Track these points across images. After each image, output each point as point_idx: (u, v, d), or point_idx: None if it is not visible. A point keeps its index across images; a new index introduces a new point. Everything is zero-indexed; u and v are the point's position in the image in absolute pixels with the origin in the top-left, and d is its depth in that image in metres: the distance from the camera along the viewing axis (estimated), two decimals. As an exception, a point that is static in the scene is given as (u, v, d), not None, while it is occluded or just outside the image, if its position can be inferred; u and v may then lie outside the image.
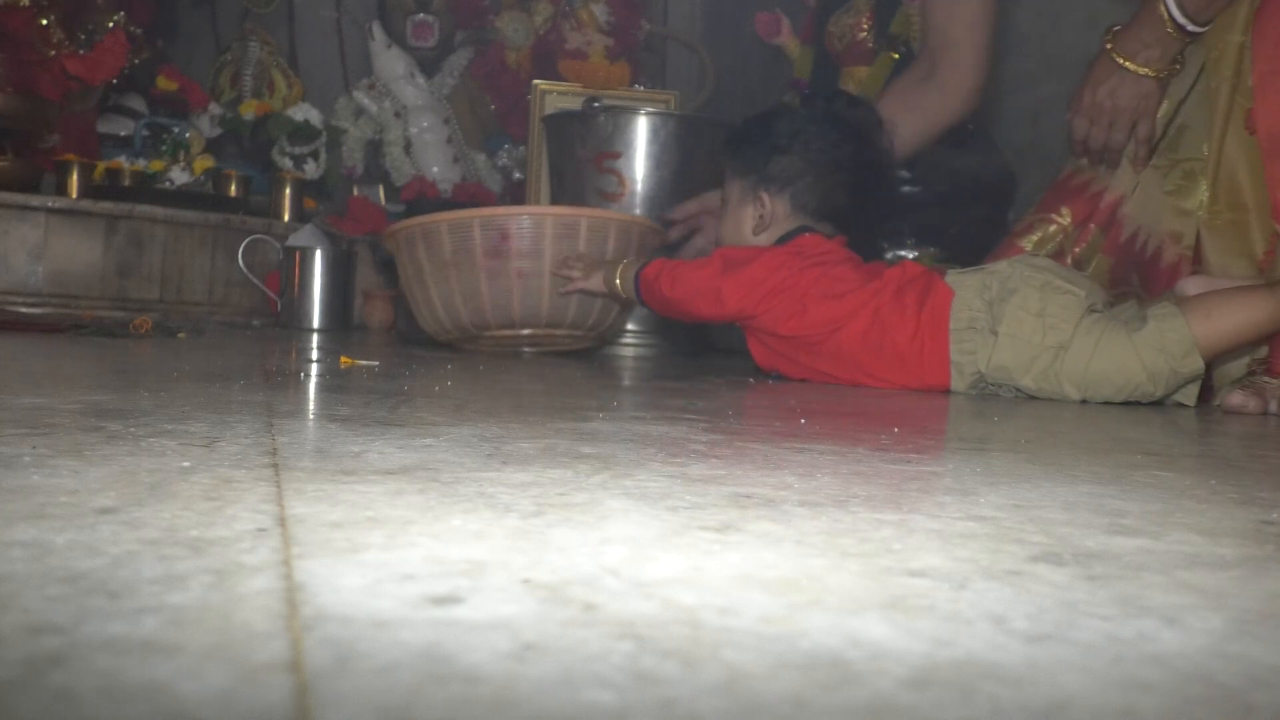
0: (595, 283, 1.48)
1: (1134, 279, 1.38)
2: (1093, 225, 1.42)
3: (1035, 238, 1.44)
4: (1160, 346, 1.13)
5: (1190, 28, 1.31)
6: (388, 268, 2.27)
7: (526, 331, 1.59)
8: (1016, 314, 1.19)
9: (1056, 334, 1.18)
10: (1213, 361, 1.22)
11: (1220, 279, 1.23)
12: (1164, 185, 1.36)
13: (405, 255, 1.62)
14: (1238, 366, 1.24)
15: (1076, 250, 1.41)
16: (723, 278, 1.33)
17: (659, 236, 1.69)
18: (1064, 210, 1.43)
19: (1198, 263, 1.31)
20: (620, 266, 1.46)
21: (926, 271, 1.32)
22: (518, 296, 1.56)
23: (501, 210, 1.59)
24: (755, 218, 1.42)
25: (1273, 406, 1.15)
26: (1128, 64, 1.35)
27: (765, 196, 1.41)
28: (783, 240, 1.38)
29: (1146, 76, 1.35)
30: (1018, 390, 1.22)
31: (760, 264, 1.32)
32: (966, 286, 1.25)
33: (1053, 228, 1.43)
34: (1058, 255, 1.42)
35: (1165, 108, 1.37)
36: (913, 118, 1.62)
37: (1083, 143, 1.42)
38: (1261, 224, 1.25)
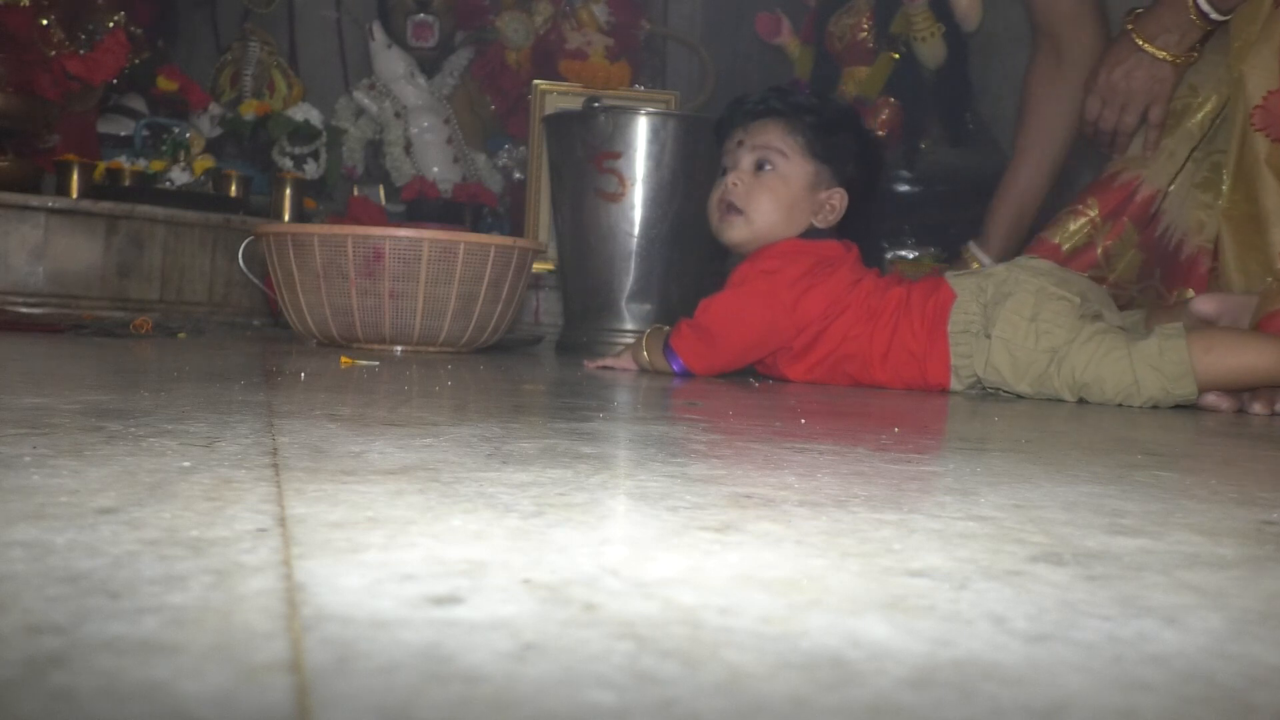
0: (625, 361, 1.39)
1: (1156, 272, 1.38)
2: (1126, 219, 1.40)
3: (1062, 232, 1.42)
4: (1157, 365, 1.12)
5: (1213, 15, 1.30)
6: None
7: (399, 348, 1.59)
8: (1010, 318, 1.19)
9: (1049, 339, 1.17)
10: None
11: (1232, 298, 1.23)
12: (1194, 178, 1.36)
13: (275, 258, 1.60)
14: None
15: (1108, 243, 1.39)
16: (778, 294, 1.28)
17: (541, 255, 1.65)
18: (1091, 201, 1.42)
19: (1218, 258, 1.31)
20: (645, 336, 1.38)
21: (934, 274, 1.32)
22: (389, 316, 1.55)
23: (377, 230, 1.58)
24: (822, 208, 1.35)
25: (1252, 406, 1.15)
26: (1146, 46, 1.35)
27: (841, 194, 1.35)
28: (813, 236, 1.35)
29: (1164, 61, 1.35)
30: (1016, 395, 1.22)
31: (821, 292, 1.29)
32: (964, 289, 1.25)
33: (1080, 220, 1.41)
34: (1087, 248, 1.40)
35: (1214, 102, 1.36)
36: (1065, 108, 1.57)
37: (1094, 124, 1.42)
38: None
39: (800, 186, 1.34)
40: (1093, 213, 1.41)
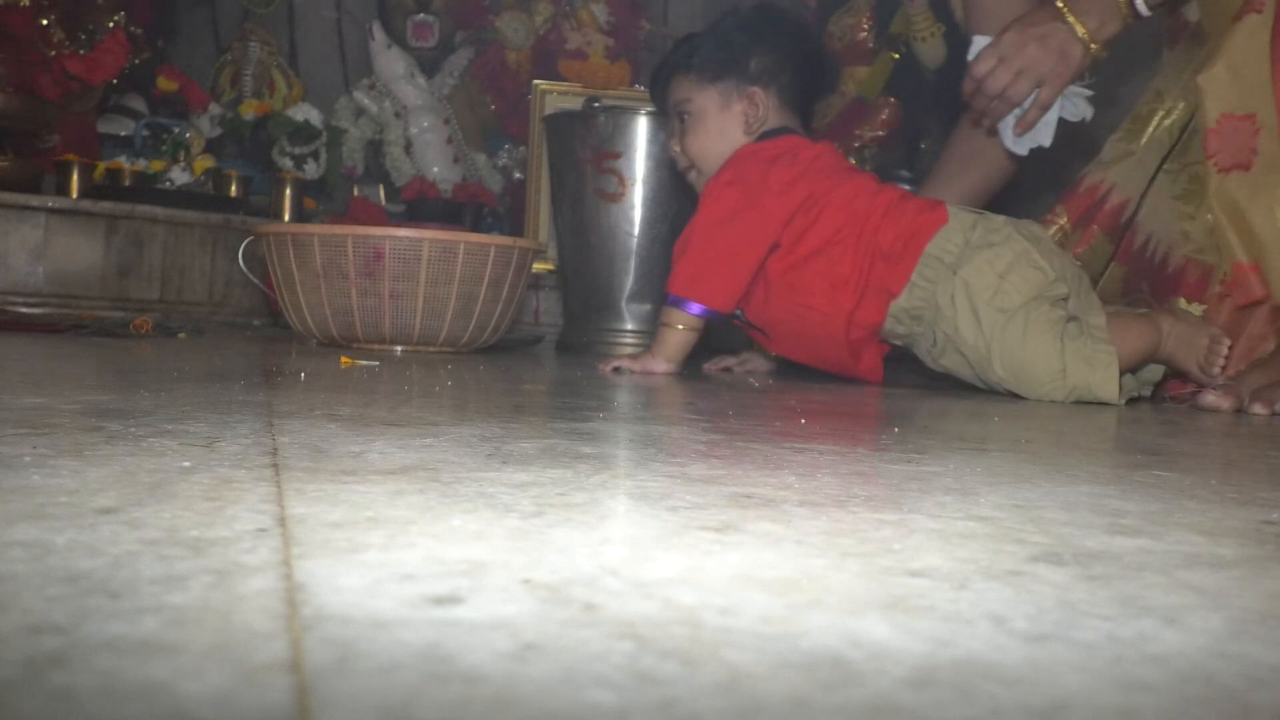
0: (646, 363, 1.33)
1: (1144, 286, 1.38)
2: (1095, 228, 1.39)
3: None
4: (1087, 359, 1.16)
5: (1142, 10, 1.28)
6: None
7: (399, 348, 1.59)
8: (981, 266, 1.21)
9: (1006, 299, 1.19)
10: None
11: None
12: (1173, 190, 1.36)
13: (275, 258, 1.60)
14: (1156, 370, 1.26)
15: (1078, 251, 1.39)
16: (755, 195, 1.29)
17: (541, 255, 1.66)
18: (1059, 210, 1.42)
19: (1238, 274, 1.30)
20: (658, 332, 1.35)
21: (934, 200, 1.32)
22: (389, 316, 1.55)
23: (377, 230, 1.58)
24: (745, 118, 1.37)
25: (1252, 407, 1.15)
26: (1069, 16, 1.28)
27: (758, 92, 1.37)
28: (764, 137, 1.36)
29: (1081, 39, 1.28)
30: (954, 348, 1.22)
31: (795, 176, 1.29)
32: (959, 219, 1.26)
33: (1051, 229, 1.41)
34: None
35: (1182, 109, 1.35)
36: None
37: (980, 81, 1.31)
38: (1229, 246, 1.25)
39: (714, 113, 1.38)
40: (1062, 220, 1.41)
